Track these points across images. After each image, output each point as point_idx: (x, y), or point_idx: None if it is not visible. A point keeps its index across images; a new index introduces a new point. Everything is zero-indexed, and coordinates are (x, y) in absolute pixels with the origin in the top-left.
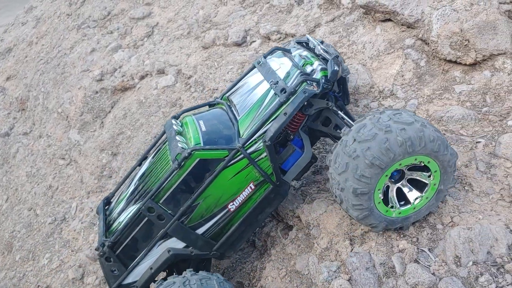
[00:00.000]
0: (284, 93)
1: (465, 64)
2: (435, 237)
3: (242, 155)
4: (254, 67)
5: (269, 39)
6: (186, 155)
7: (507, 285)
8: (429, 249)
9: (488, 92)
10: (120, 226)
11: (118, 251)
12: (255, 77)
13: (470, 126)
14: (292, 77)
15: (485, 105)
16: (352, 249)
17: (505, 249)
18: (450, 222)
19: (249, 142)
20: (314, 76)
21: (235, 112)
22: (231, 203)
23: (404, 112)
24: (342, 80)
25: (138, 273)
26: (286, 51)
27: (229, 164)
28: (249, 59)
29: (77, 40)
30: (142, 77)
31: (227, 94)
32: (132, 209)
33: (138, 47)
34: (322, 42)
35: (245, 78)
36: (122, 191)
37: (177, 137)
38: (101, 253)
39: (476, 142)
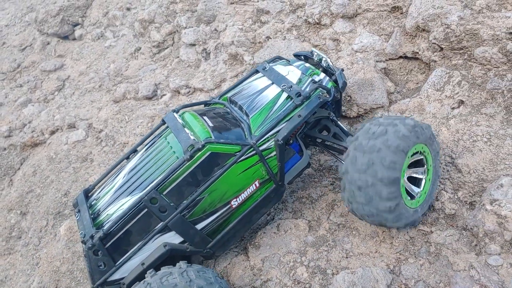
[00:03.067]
0: (299, 96)
1: (350, 117)
2: (326, 282)
3: (253, 152)
4: (256, 71)
5: (179, 93)
6: (200, 146)
7: None
8: None
9: None
10: (112, 218)
11: (109, 244)
12: (261, 80)
13: None
14: (305, 83)
15: None
16: None
17: None
18: (339, 267)
19: (262, 139)
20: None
21: (239, 112)
22: (235, 200)
23: (390, 116)
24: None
25: (127, 269)
26: (288, 61)
27: (239, 159)
28: (159, 113)
29: None
30: (52, 132)
31: (228, 95)
32: (126, 201)
33: (48, 101)
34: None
35: (247, 81)
36: (105, 184)
37: (186, 129)
38: (90, 246)
39: None
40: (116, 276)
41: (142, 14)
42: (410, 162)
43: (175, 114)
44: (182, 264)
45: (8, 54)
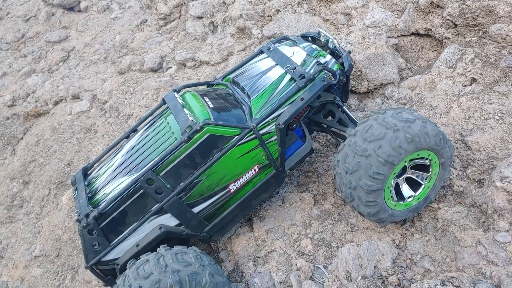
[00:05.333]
0: (303, 78)
1: (360, 93)
2: (330, 254)
3: (253, 135)
4: (261, 52)
5: (185, 66)
6: (198, 128)
7: None
8: (324, 266)
9: None
10: (108, 197)
11: (104, 224)
12: (265, 61)
13: None
14: (309, 65)
15: None
16: (255, 270)
17: (390, 262)
18: (343, 240)
19: (262, 123)
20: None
21: (241, 94)
22: (233, 184)
23: (404, 110)
24: (346, 78)
25: (121, 249)
26: (294, 42)
27: (239, 143)
28: (164, 85)
29: None
30: (56, 103)
31: (231, 76)
32: (124, 180)
33: (53, 71)
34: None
35: (251, 62)
36: (104, 162)
37: (185, 110)
38: (84, 225)
39: None
40: (110, 256)
41: None
42: (413, 164)
43: (175, 94)
44: (161, 248)
45: (12, 24)
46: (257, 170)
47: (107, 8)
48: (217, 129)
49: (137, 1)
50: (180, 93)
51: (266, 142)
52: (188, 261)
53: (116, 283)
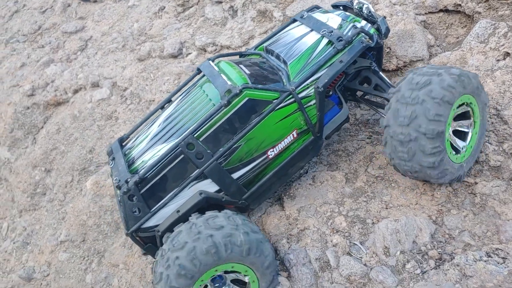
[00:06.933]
0: (341, 41)
1: (389, 70)
2: (366, 231)
3: (292, 99)
4: (294, 20)
5: (205, 51)
6: (237, 92)
7: (431, 269)
8: (360, 242)
9: None
10: (149, 163)
11: (144, 189)
12: (299, 28)
13: None
14: (346, 28)
15: None
16: (289, 247)
17: (429, 237)
18: (379, 216)
19: (301, 86)
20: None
21: (276, 61)
22: (271, 149)
23: (434, 65)
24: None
25: (162, 216)
26: (326, 10)
27: (278, 107)
28: (186, 70)
29: (5, 55)
30: (76, 91)
31: (264, 45)
32: (162, 147)
33: (71, 61)
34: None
35: (284, 31)
36: (140, 133)
37: (223, 75)
38: (125, 190)
39: None
40: (150, 223)
41: None
42: (455, 114)
43: (210, 62)
44: (192, 217)
45: (28, 16)
46: (295, 135)
47: None
48: (256, 93)
49: None
50: (214, 62)
51: (304, 106)
52: (219, 224)
53: (156, 251)
